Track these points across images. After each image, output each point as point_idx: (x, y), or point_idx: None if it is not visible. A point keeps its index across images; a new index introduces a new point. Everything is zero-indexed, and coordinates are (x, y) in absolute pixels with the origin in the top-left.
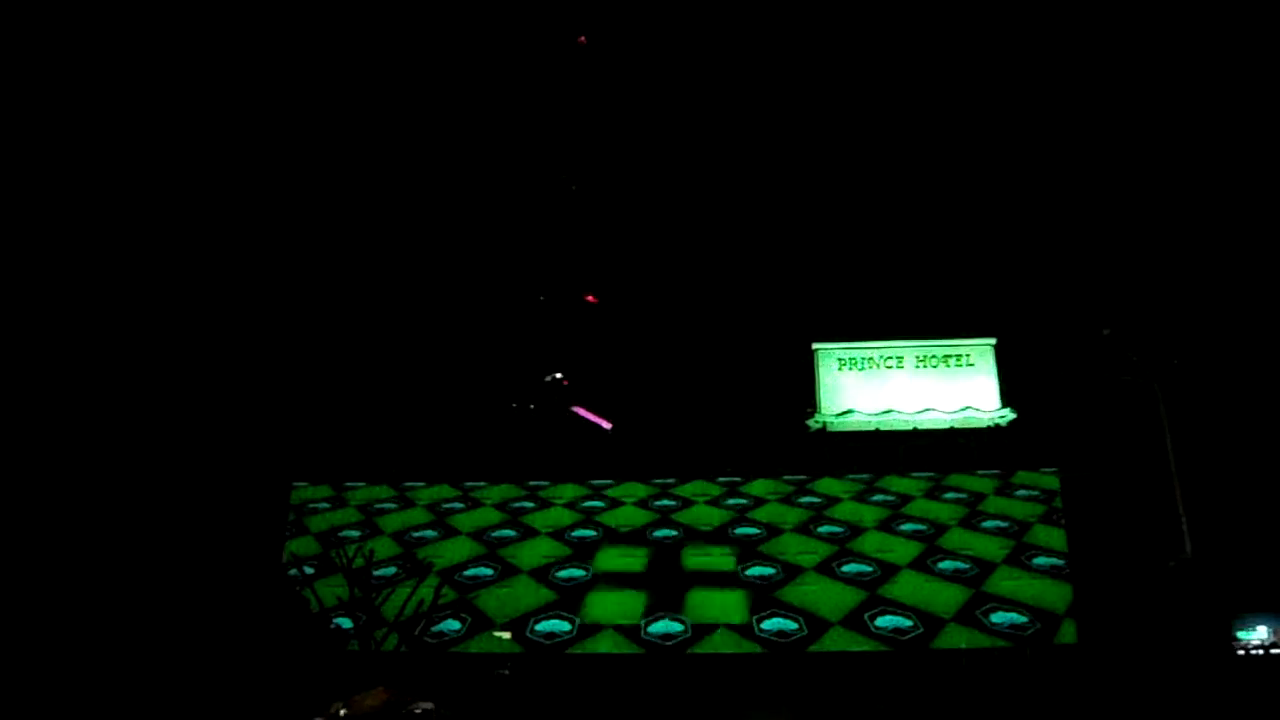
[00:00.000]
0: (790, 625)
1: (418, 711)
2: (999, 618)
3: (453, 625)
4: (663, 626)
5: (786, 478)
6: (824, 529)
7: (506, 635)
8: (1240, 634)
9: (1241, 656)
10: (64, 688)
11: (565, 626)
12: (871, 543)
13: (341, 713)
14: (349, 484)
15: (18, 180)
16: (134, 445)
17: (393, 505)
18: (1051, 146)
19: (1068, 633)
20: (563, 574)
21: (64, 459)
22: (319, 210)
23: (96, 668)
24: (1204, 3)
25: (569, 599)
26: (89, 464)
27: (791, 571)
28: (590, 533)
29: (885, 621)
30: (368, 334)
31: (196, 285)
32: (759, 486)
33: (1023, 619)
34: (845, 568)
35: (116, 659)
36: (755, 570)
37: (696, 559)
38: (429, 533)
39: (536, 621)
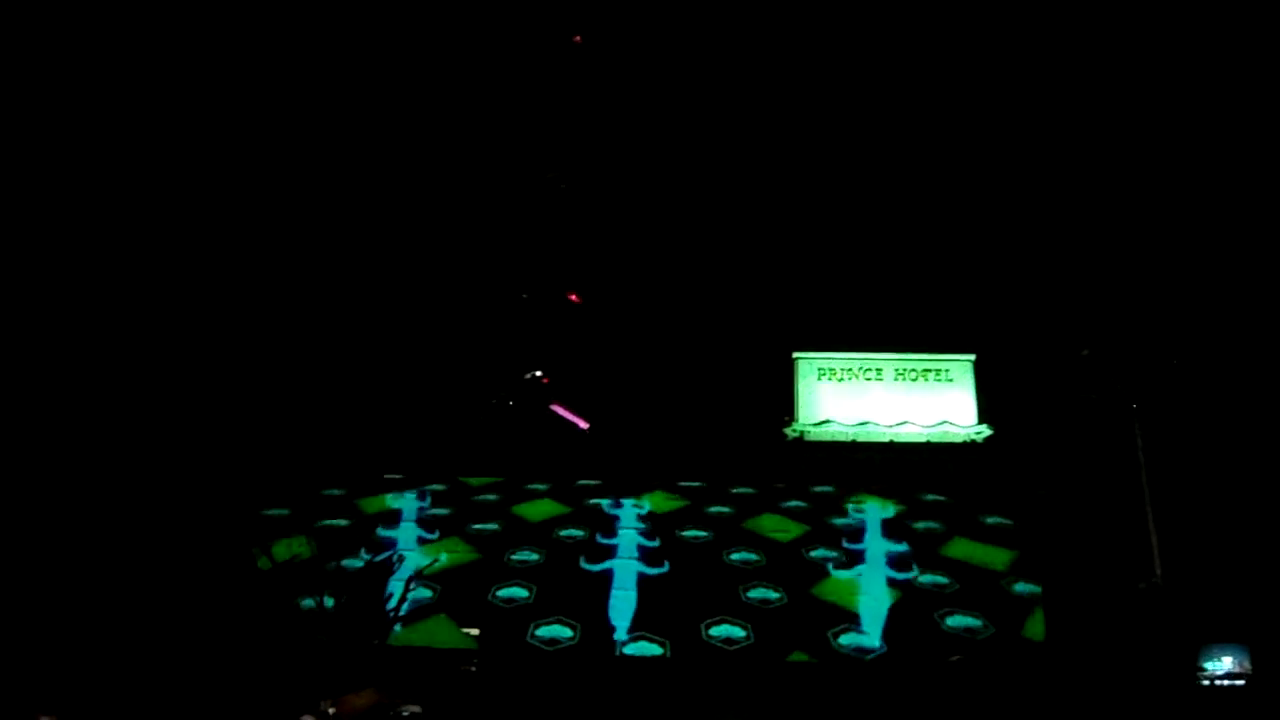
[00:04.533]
0: None
1: (405, 715)
2: None
3: None
4: None
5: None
6: None
7: (474, 632)
8: (1206, 664)
9: (1206, 687)
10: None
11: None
12: None
13: (330, 711)
14: None
15: None
16: (98, 441)
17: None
18: (1036, 165)
19: None
20: None
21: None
22: (295, 201)
23: (72, 670)
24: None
25: None
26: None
27: None
28: None
29: None
30: (332, 325)
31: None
32: None
33: None
34: None
35: (94, 660)
36: None
37: None
38: None
39: None
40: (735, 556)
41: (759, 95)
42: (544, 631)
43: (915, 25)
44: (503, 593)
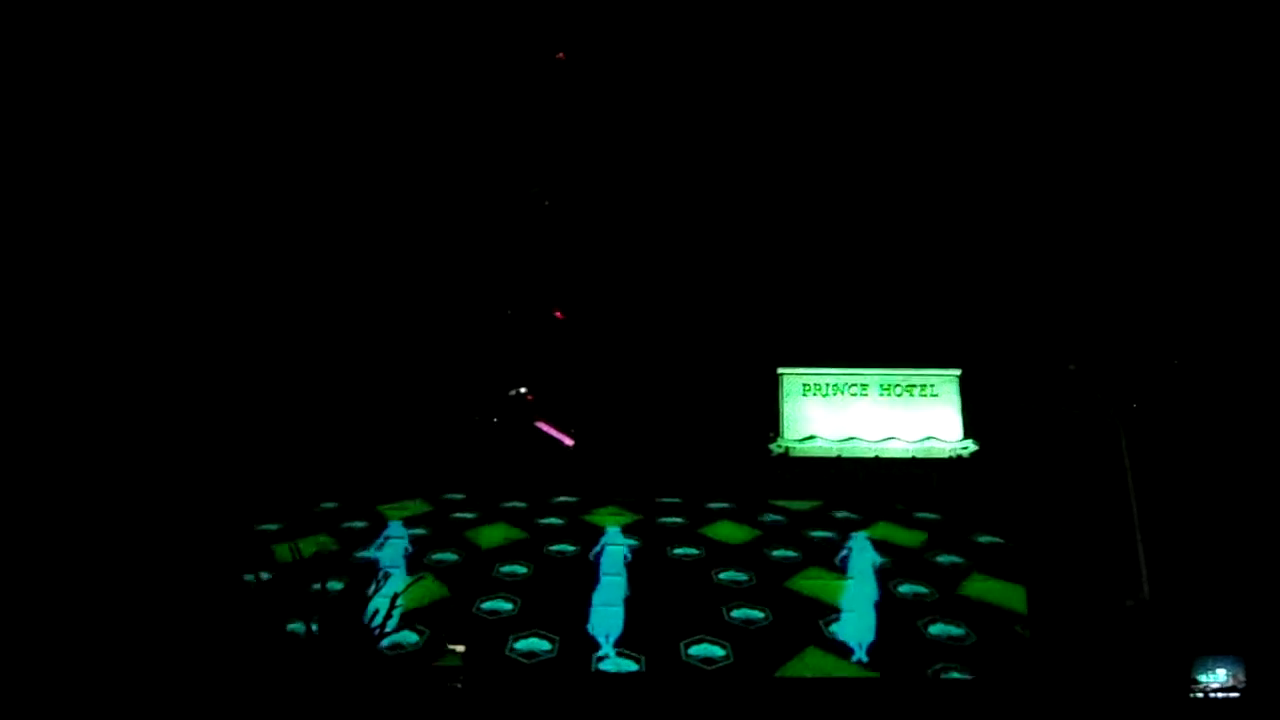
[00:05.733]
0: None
1: None
2: None
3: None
4: None
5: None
6: None
7: (460, 649)
8: (1200, 676)
9: (1200, 700)
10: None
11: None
12: None
13: None
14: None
15: None
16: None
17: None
18: (1023, 183)
19: None
20: None
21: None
22: (286, 217)
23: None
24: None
25: None
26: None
27: None
28: None
29: None
30: (321, 343)
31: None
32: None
33: None
34: None
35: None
36: None
37: None
38: None
39: None
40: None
41: (744, 110)
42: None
43: (895, 49)
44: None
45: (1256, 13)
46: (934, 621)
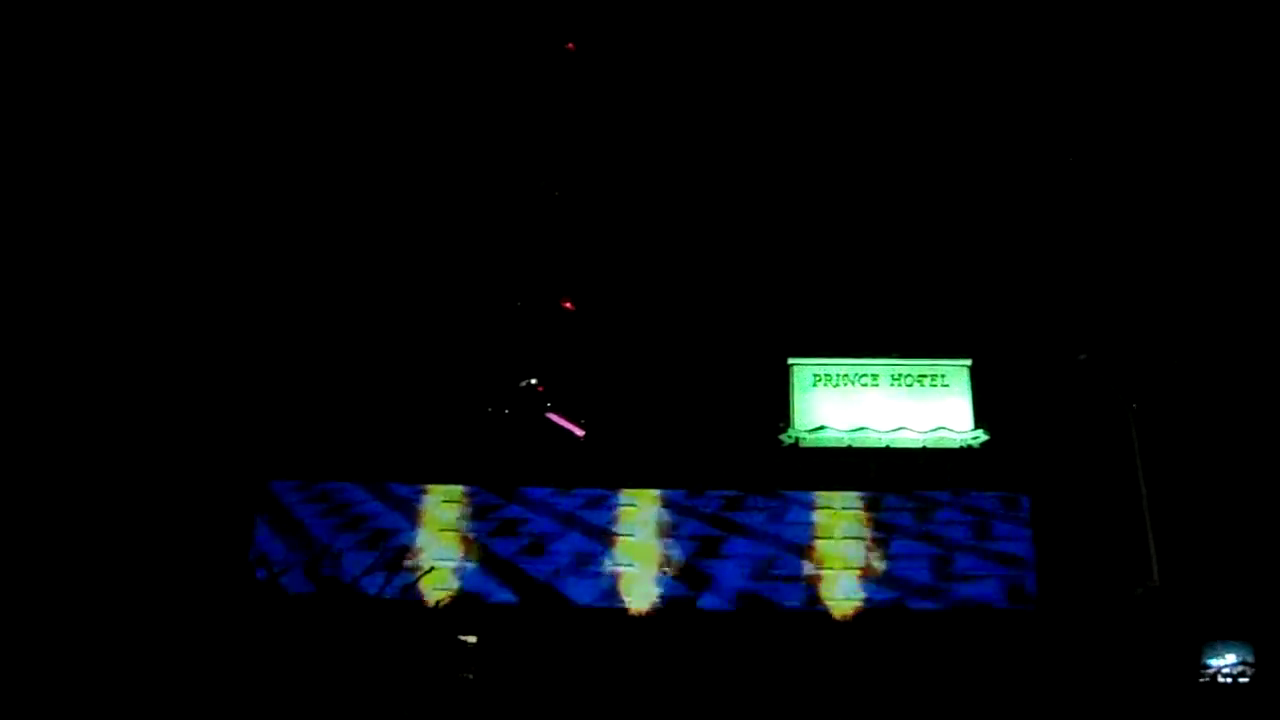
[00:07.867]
0: None
1: None
2: None
3: None
4: None
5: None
6: None
7: (472, 639)
8: (1209, 661)
9: (1209, 684)
10: None
11: None
12: None
13: None
14: None
15: None
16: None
17: None
18: (1031, 171)
19: None
20: None
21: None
22: (291, 209)
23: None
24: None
25: None
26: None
27: None
28: None
29: None
30: (328, 335)
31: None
32: None
33: None
34: None
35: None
36: None
37: None
38: None
39: None
40: None
41: (754, 102)
42: None
43: (908, 37)
44: None
45: (1259, 14)
46: None
